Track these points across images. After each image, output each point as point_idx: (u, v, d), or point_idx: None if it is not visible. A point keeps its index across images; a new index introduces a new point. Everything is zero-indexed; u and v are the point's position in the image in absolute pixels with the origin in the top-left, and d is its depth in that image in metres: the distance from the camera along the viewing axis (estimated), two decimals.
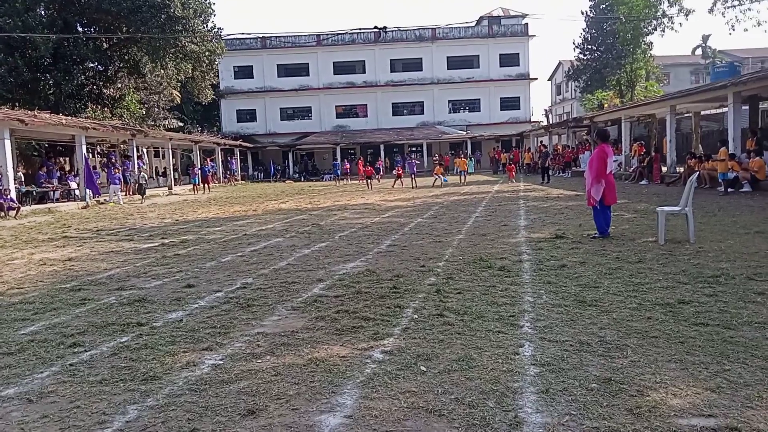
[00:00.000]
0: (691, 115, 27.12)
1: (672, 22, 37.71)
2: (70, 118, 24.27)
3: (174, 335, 4.63)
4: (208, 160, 42.26)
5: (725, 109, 22.22)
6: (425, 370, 3.66)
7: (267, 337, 4.51)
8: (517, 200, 16.93)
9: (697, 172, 15.75)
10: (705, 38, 50.24)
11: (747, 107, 21.80)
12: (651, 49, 42.09)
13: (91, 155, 29.28)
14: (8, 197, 17.99)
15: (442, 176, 28.21)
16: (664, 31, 38.80)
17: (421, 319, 4.80)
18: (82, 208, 20.61)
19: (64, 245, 10.81)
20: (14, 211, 17.56)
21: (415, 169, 29.97)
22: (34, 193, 22.15)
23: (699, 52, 50.75)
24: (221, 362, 3.97)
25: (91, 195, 22.78)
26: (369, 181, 29.47)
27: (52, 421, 3.15)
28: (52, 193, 23.10)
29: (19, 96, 28.67)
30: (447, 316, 4.83)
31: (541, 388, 3.30)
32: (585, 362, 3.67)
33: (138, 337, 4.61)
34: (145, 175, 26.13)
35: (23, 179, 21.94)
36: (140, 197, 24.48)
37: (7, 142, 19.18)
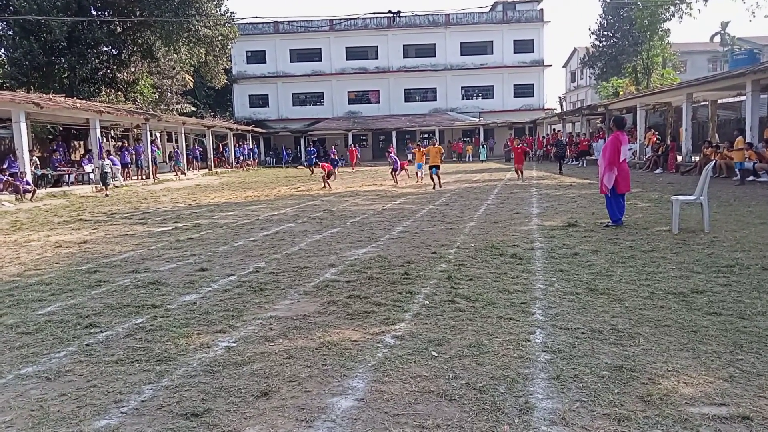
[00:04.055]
0: (707, 103, 26.73)
1: (690, 8, 36.81)
2: (84, 101, 24.44)
3: (188, 317, 4.69)
4: (221, 145, 42.51)
5: (743, 98, 21.86)
6: (436, 355, 3.68)
7: (279, 320, 4.56)
8: (529, 188, 16.85)
9: (713, 161, 15.57)
10: (724, 25, 49.29)
11: (766, 96, 21.44)
12: (668, 36, 41.37)
13: (105, 139, 29.42)
14: (24, 180, 18.20)
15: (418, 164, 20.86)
16: (682, 18, 38.01)
17: (433, 305, 4.82)
18: (96, 192, 20.79)
19: (80, 228, 10.94)
20: (30, 194, 17.78)
21: (398, 164, 21.18)
22: (50, 176, 22.38)
23: (717, 39, 49.83)
24: (234, 344, 4.02)
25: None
26: (327, 179, 20.22)
27: (69, 399, 3.21)
28: (67, 176, 23.32)
29: (34, 79, 28.88)
30: (458, 302, 4.85)
31: (552, 374, 3.31)
32: (596, 350, 3.68)
33: (153, 319, 4.67)
34: (110, 163, 21.70)
35: (38, 163, 22.15)
36: (103, 188, 20.05)
37: (23, 125, 19.34)
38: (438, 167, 17.66)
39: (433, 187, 17.10)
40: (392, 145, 32.80)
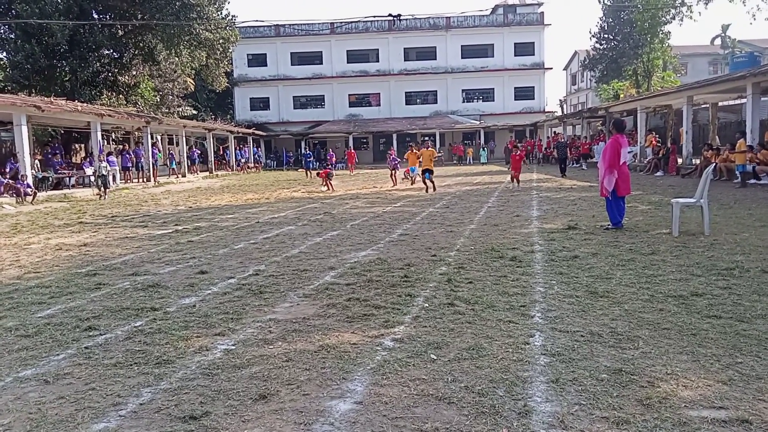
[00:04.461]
0: (708, 106, 26.73)
1: (691, 11, 36.96)
2: (85, 104, 24.45)
3: (187, 320, 4.68)
4: (222, 147, 42.54)
5: (744, 101, 21.86)
6: (435, 358, 3.68)
7: (279, 323, 4.55)
8: (529, 191, 16.84)
9: (714, 164, 15.56)
10: (724, 28, 49.38)
11: (766, 98, 21.42)
12: (669, 39, 41.41)
13: (106, 142, 29.42)
14: (25, 183, 18.22)
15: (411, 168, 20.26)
16: (682, 20, 38.07)
17: (432, 307, 4.81)
18: (96, 195, 20.79)
19: (80, 231, 10.95)
20: (31, 197, 17.80)
21: (398, 165, 20.96)
22: (50, 179, 22.39)
23: (718, 41, 49.90)
24: (233, 347, 4.02)
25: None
26: (329, 181, 20.38)
27: (68, 402, 3.21)
28: (67, 179, 23.33)
29: (35, 82, 28.93)
30: (458, 305, 4.84)
31: (551, 377, 3.31)
32: (596, 353, 3.67)
33: (152, 322, 4.67)
34: (107, 166, 20.77)
35: (39, 165, 22.15)
36: (101, 192, 19.63)
37: (24, 128, 19.37)
38: (431, 171, 16.26)
39: (426, 190, 16.02)
40: (393, 148, 32.76)
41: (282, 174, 36.99)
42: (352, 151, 37.86)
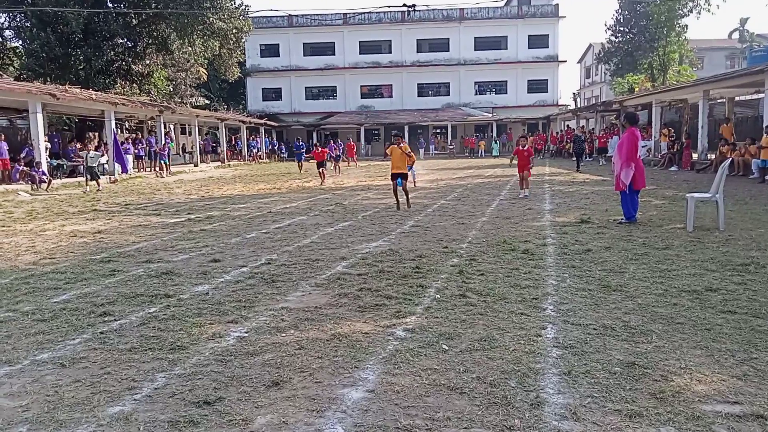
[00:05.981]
0: (724, 100, 26.37)
1: (709, 4, 36.45)
2: (99, 93, 24.60)
3: (200, 307, 4.72)
4: (233, 138, 42.65)
5: (761, 95, 21.53)
6: (447, 348, 3.68)
7: (291, 311, 4.58)
8: (542, 184, 16.75)
9: (729, 159, 15.36)
10: (743, 21, 48.69)
11: None
12: (686, 32, 40.85)
13: (119, 131, 29.53)
14: (40, 170, 18.40)
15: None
16: (700, 14, 37.63)
17: (444, 299, 4.82)
18: (111, 183, 20.97)
19: (94, 218, 11.05)
20: (45, 184, 17.98)
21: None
22: (65, 166, 22.59)
23: (736, 35, 49.21)
24: (246, 335, 4.05)
25: (120, 171, 23.02)
26: (322, 169, 19.65)
27: (84, 386, 3.25)
28: (81, 167, 23.47)
29: (50, 71, 29.13)
30: (469, 296, 4.84)
31: (563, 369, 3.30)
32: (608, 346, 3.65)
33: (166, 309, 4.71)
34: (97, 157, 18.79)
35: (49, 149, 22.16)
36: (92, 184, 17.89)
37: (40, 116, 19.54)
38: (404, 177, 11.34)
39: (398, 206, 11.39)
40: (404, 140, 32.59)
41: (293, 165, 36.99)
42: (352, 143, 37.61)
